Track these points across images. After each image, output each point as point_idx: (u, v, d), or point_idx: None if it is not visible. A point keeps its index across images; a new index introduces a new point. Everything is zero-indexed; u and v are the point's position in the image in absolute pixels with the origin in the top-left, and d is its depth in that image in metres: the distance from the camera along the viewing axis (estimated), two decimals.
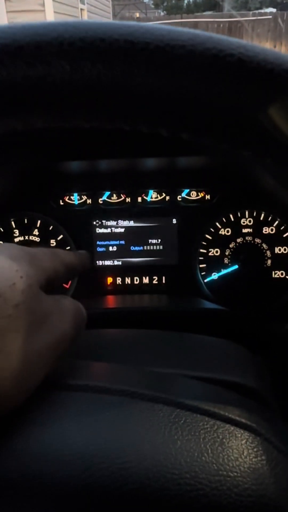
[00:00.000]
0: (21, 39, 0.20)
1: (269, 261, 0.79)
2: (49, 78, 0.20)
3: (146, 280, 0.81)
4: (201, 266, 0.80)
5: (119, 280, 0.81)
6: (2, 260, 0.25)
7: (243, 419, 0.28)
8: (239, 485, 0.23)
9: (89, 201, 0.81)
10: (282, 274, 0.79)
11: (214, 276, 0.80)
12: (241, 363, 0.43)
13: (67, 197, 0.81)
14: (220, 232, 0.79)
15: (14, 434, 0.25)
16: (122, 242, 0.81)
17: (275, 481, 0.24)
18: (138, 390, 0.29)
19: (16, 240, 0.80)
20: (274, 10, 9.87)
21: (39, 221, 0.80)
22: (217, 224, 0.79)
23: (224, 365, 0.41)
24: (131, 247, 0.81)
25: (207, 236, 0.79)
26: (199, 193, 0.80)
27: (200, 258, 0.80)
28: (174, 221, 0.80)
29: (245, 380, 0.38)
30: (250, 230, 0.79)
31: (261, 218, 0.78)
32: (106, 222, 0.81)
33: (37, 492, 0.23)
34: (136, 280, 0.81)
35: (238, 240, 0.79)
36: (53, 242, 0.80)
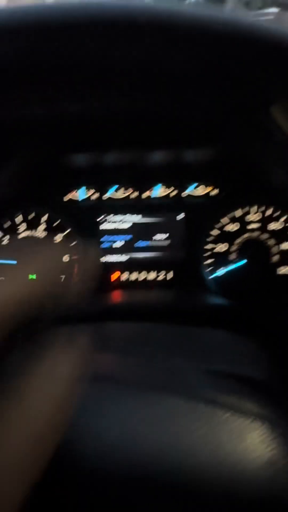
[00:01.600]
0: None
1: (275, 257, 0.78)
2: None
3: (152, 275, 0.81)
4: (207, 261, 0.79)
5: (125, 276, 0.81)
6: None
7: (260, 411, 0.27)
8: (258, 477, 0.23)
9: (95, 196, 0.80)
10: None
11: (221, 271, 0.79)
12: (252, 356, 0.42)
13: (73, 192, 0.80)
14: (227, 228, 0.79)
15: None
16: (128, 237, 0.80)
17: None
18: (152, 383, 0.29)
19: (22, 235, 0.80)
20: (276, 10, 9.74)
21: (44, 216, 0.80)
22: (224, 219, 0.79)
23: (235, 359, 0.40)
24: (137, 242, 0.80)
25: (213, 231, 0.79)
26: (206, 188, 0.79)
27: (206, 253, 0.79)
28: (181, 216, 0.79)
29: (256, 374, 0.38)
30: (257, 225, 0.78)
31: (268, 214, 0.78)
32: (111, 217, 0.80)
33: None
34: (142, 276, 0.81)
35: (245, 235, 0.79)
36: (59, 237, 0.80)
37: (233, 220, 0.79)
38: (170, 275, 0.81)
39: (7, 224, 0.80)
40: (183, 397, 0.28)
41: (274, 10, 3.29)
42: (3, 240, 0.80)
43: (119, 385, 0.29)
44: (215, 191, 0.79)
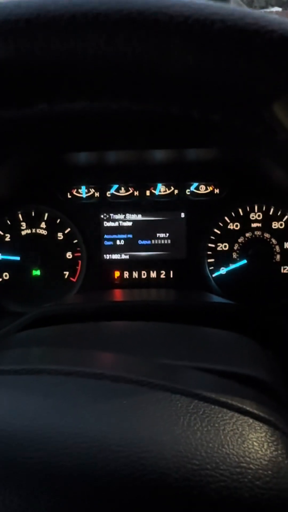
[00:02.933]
0: (55, 10, 0.19)
1: (278, 256, 0.78)
2: (82, 52, 0.19)
3: (153, 274, 0.81)
4: (209, 260, 0.79)
5: (126, 274, 0.81)
6: None
7: (261, 412, 0.27)
8: (261, 478, 0.23)
9: (97, 194, 0.80)
10: None
11: (223, 270, 0.79)
12: (253, 356, 0.42)
13: (75, 190, 0.80)
14: (229, 227, 0.79)
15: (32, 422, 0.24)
16: (130, 236, 0.80)
17: None
18: (155, 380, 0.28)
19: (24, 233, 0.80)
20: (280, 9, 9.69)
21: (46, 214, 0.80)
22: (226, 218, 0.78)
23: (235, 358, 0.40)
24: (139, 241, 0.80)
25: (215, 230, 0.79)
26: (208, 187, 0.79)
27: (208, 252, 0.79)
28: (183, 215, 0.79)
29: (257, 374, 0.37)
30: (259, 224, 0.78)
31: (271, 213, 0.78)
32: (114, 216, 0.80)
33: (54, 481, 0.22)
34: (144, 274, 0.81)
35: (247, 234, 0.78)
36: (60, 235, 0.80)
37: (236, 218, 0.78)
38: (172, 274, 0.81)
39: (8, 222, 0.80)
40: (183, 396, 0.28)
41: (277, 9, 3.24)
42: (5, 237, 0.80)
43: (119, 382, 0.28)
44: (217, 190, 0.79)
